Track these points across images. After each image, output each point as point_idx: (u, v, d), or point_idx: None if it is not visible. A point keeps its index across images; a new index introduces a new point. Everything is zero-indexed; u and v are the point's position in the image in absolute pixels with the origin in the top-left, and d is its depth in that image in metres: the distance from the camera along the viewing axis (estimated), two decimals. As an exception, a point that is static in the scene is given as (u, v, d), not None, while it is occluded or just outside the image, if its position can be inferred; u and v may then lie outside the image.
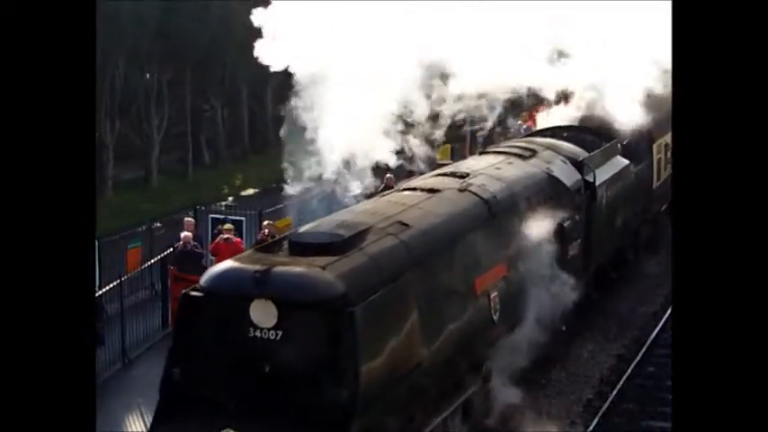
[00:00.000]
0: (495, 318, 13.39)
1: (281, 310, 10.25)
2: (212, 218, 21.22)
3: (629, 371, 16.45)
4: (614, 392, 15.60)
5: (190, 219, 19.66)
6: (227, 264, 11.09)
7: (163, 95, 34.08)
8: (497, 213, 14.06)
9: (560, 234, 15.65)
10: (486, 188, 14.36)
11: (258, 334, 10.33)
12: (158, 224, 22.20)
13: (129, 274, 18.50)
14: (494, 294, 13.39)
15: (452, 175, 14.95)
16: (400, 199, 13.53)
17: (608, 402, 15.23)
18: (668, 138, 22.64)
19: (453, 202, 13.62)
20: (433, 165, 18.87)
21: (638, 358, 17.01)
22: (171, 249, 18.54)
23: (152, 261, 19.56)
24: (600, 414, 14.85)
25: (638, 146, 20.71)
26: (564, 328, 16.38)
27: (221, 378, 10.54)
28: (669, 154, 22.78)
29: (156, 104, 33.75)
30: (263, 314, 10.29)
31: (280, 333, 10.27)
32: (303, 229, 11.90)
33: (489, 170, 15.43)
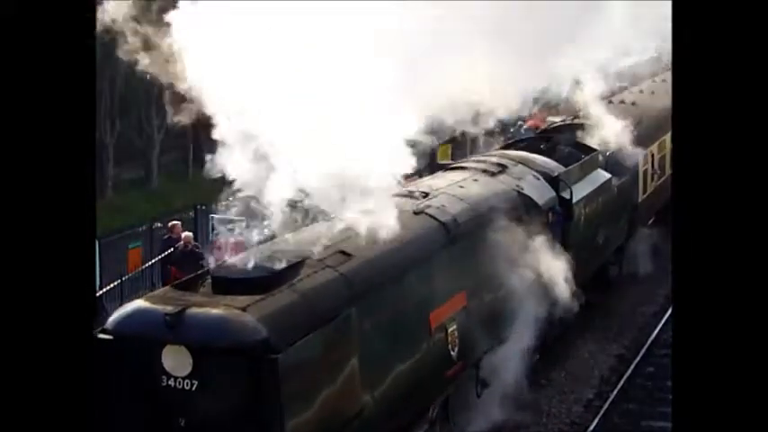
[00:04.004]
0: (453, 354, 12.44)
1: (196, 358, 9.22)
2: (212, 218, 21.23)
3: (630, 371, 16.48)
4: (614, 392, 15.63)
5: (176, 222, 19.71)
6: (137, 303, 9.98)
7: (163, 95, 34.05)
8: (457, 238, 12.90)
9: (531, 257, 14.61)
10: (445, 210, 13.17)
11: (172, 383, 9.29)
12: (158, 224, 22.22)
13: (130, 274, 18.56)
14: (452, 328, 12.38)
15: (410, 195, 13.60)
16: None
17: (608, 402, 15.25)
18: (655, 147, 22.15)
19: (406, 227, 12.15)
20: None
21: (638, 358, 17.03)
22: (172, 249, 18.59)
23: (153, 261, 19.63)
24: (600, 414, 14.88)
25: (622, 157, 19.56)
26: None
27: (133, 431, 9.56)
28: (657, 165, 22.31)
29: (156, 104, 33.74)
30: (176, 361, 9.27)
31: (195, 383, 9.24)
32: (230, 261, 10.58)
33: (451, 189, 14.18)
